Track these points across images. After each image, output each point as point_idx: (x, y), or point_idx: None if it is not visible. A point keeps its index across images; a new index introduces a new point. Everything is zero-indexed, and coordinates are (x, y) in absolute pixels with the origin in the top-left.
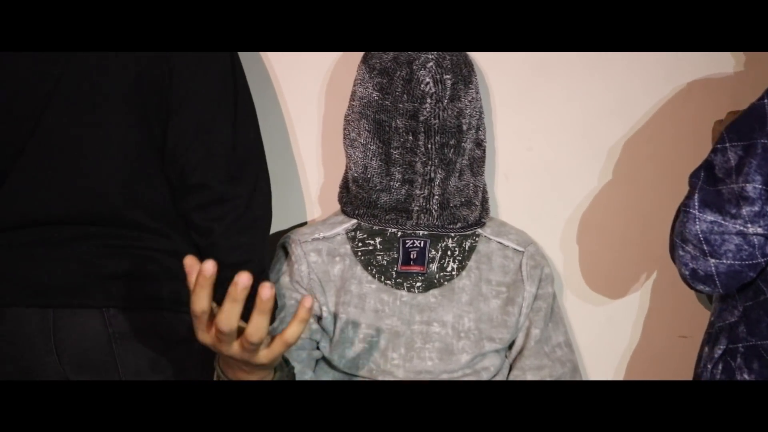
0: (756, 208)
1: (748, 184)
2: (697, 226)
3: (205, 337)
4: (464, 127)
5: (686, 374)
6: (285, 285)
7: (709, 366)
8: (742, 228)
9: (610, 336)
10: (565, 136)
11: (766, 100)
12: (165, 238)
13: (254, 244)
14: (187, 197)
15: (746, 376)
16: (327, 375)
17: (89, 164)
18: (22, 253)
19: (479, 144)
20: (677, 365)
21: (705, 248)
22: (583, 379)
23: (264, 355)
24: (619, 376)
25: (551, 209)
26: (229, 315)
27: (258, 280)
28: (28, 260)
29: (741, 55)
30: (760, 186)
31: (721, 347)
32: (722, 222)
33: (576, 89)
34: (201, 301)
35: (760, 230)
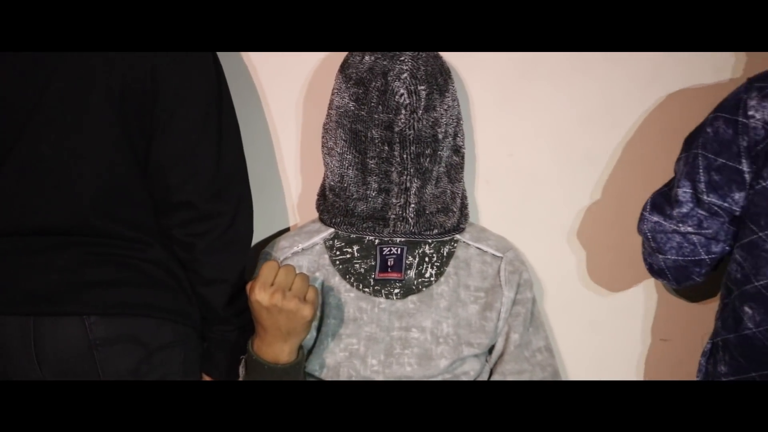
0: (684, 210)
1: (679, 189)
2: (645, 226)
3: (263, 295)
4: (440, 136)
5: (667, 377)
6: None
7: (702, 359)
8: (675, 227)
9: (591, 340)
10: (545, 142)
11: (709, 116)
12: (146, 246)
13: (235, 262)
14: (170, 214)
15: (722, 368)
16: None
17: (71, 177)
18: (3, 261)
19: (457, 150)
20: (658, 368)
21: (653, 245)
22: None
23: (309, 308)
24: (601, 380)
25: (532, 214)
26: (289, 269)
27: (238, 297)
28: (9, 268)
29: (723, 56)
30: (689, 191)
31: (709, 342)
32: (662, 222)
33: (556, 95)
34: (273, 267)
35: (690, 229)
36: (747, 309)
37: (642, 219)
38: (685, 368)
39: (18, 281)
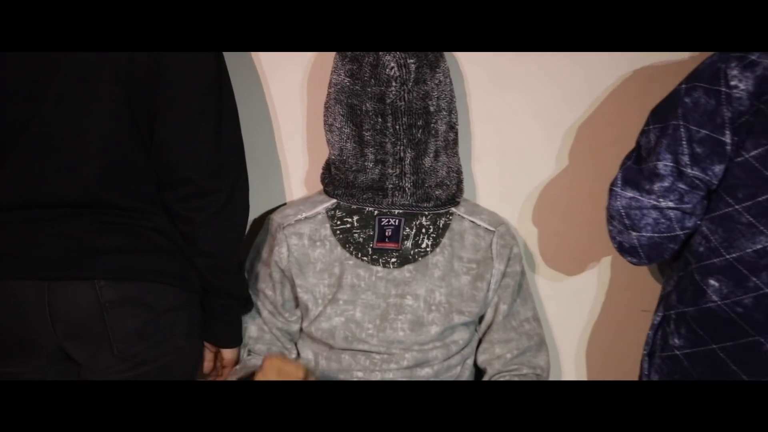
0: (666, 184)
1: (659, 162)
2: (618, 202)
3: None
4: (432, 109)
5: None
6: (264, 260)
7: (650, 332)
8: (655, 202)
9: (577, 310)
10: (533, 121)
11: (683, 86)
12: (152, 216)
13: (231, 236)
14: (171, 190)
15: (676, 341)
16: (305, 345)
17: (81, 153)
18: (19, 230)
19: (452, 126)
20: (639, 338)
21: (626, 222)
22: (550, 350)
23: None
24: (586, 348)
25: (521, 190)
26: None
27: (235, 271)
28: (25, 237)
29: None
30: (670, 164)
31: (660, 314)
32: (639, 197)
33: (543, 75)
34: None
35: (671, 204)
36: (712, 282)
37: (614, 196)
38: None
39: (34, 249)
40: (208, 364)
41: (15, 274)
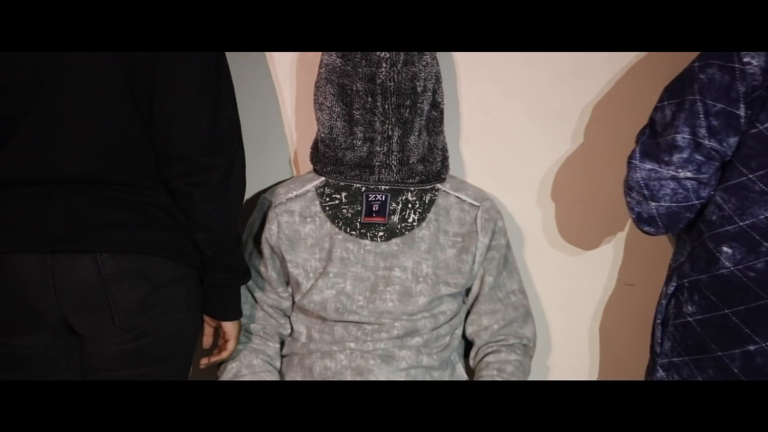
0: (684, 155)
1: (678, 135)
2: (638, 174)
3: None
4: (419, 90)
5: (630, 318)
6: (255, 238)
7: (663, 302)
8: (674, 173)
9: (563, 284)
10: (521, 101)
11: (696, 64)
12: (152, 191)
13: (228, 211)
14: (170, 166)
15: (690, 308)
16: (298, 319)
17: (82, 133)
18: (24, 205)
19: (436, 106)
20: (622, 310)
21: (646, 193)
22: (536, 321)
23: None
24: (571, 320)
25: (509, 168)
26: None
27: (233, 245)
28: (29, 212)
29: None
30: (688, 136)
31: (674, 284)
32: (658, 169)
33: (530, 57)
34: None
35: (689, 174)
36: (725, 249)
37: (633, 168)
38: (649, 312)
39: (38, 223)
40: (208, 339)
41: (20, 247)
